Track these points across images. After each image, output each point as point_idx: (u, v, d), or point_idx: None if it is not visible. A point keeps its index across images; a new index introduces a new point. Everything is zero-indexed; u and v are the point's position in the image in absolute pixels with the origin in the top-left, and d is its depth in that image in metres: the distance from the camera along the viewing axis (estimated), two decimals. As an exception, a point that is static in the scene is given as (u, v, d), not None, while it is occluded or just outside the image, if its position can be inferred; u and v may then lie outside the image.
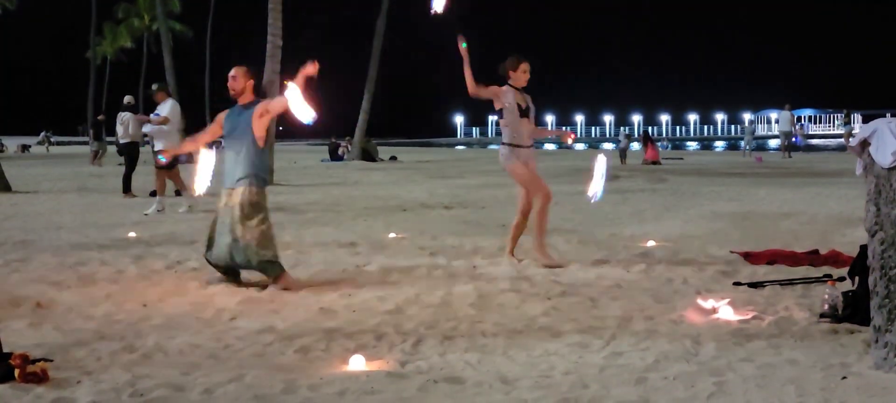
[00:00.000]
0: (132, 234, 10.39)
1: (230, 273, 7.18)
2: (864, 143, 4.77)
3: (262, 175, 7.21)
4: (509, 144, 8.16)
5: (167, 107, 13.74)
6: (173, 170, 13.51)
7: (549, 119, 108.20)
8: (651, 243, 9.40)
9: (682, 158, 35.61)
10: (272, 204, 14.82)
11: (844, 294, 5.71)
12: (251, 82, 7.30)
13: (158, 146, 13.49)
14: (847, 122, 38.94)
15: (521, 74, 8.16)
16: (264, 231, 7.05)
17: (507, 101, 8.10)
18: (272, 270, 7.03)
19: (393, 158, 34.91)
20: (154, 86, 14.35)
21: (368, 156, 33.79)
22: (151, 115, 13.92)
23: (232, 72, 7.28)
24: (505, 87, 8.14)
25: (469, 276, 7.51)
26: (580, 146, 48.64)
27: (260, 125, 7.11)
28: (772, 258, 8.19)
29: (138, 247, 9.27)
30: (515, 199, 8.63)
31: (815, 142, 68.73)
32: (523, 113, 8.13)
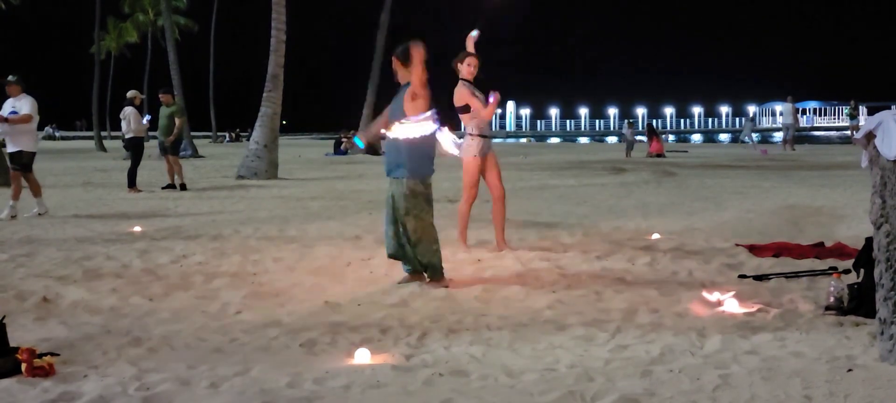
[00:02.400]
0: (137, 228, 10.41)
1: (408, 260, 6.90)
2: (870, 136, 4.76)
3: (415, 165, 6.76)
4: (477, 135, 8.42)
5: (27, 104, 11.99)
6: (30, 172, 12.10)
7: (554, 112, 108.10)
8: (656, 236, 9.40)
9: (686, 151, 35.57)
10: (276, 198, 14.89)
11: (850, 286, 5.70)
12: (403, 63, 6.82)
13: (12, 147, 12.13)
14: (854, 115, 38.83)
15: (466, 68, 8.33)
16: (419, 227, 6.76)
17: (479, 96, 8.34)
18: (431, 273, 6.86)
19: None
20: (10, 78, 12.13)
21: (372, 150, 33.78)
22: (7, 113, 12.02)
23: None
24: (468, 85, 8.32)
25: (474, 269, 7.51)
26: (584, 139, 48.55)
27: (412, 108, 6.77)
28: (777, 250, 8.18)
29: (143, 242, 9.29)
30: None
31: (816, 133, 68.58)
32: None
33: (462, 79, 8.33)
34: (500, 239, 8.56)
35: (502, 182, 8.59)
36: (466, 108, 8.32)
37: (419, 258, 6.84)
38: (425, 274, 6.90)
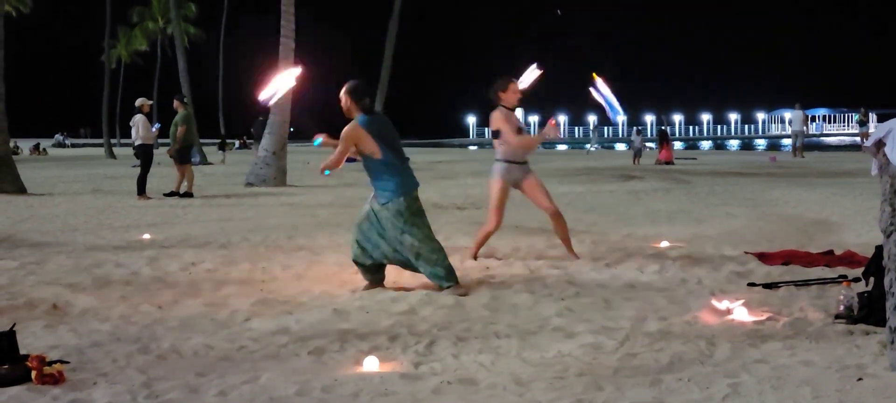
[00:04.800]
0: (147, 236, 10.43)
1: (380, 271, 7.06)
2: (880, 144, 4.75)
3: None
4: (503, 160, 8.32)
5: None
6: None
7: (563, 119, 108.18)
8: (665, 243, 9.38)
9: (695, 158, 35.50)
10: (285, 205, 14.91)
11: (860, 294, 5.68)
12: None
13: None
14: (864, 122, 38.69)
15: (511, 96, 8.26)
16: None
17: (513, 123, 8.28)
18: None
19: (405, 159, 34.92)
20: None
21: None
22: None
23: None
24: (506, 111, 8.24)
25: (482, 277, 7.51)
26: (592, 147, 48.53)
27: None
28: (786, 258, 8.16)
29: (153, 249, 9.31)
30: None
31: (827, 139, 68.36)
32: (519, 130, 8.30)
33: (502, 105, 8.23)
34: (570, 251, 8.43)
35: (552, 201, 8.40)
36: (498, 134, 8.27)
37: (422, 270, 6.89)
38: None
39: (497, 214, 8.36)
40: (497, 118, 8.22)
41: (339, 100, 6.97)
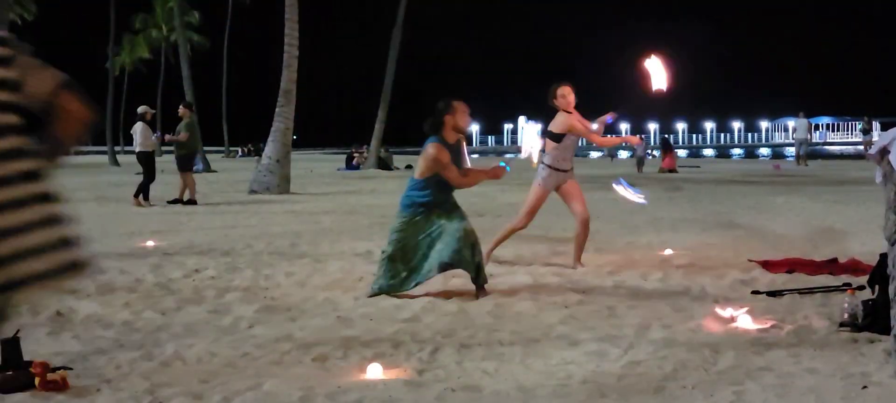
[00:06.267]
0: (150, 243, 10.44)
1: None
2: (883, 151, 4.75)
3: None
4: (552, 167, 8.36)
5: None
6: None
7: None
8: (668, 251, 9.37)
9: (698, 166, 35.49)
10: (288, 212, 14.93)
11: (864, 302, 5.67)
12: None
13: None
14: (867, 130, 38.68)
15: (561, 99, 8.31)
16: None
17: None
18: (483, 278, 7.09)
19: (408, 167, 34.90)
20: None
21: (384, 165, 33.87)
22: None
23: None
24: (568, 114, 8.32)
25: (486, 284, 7.50)
26: (596, 154, 48.60)
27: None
28: (790, 266, 8.15)
29: (156, 256, 9.31)
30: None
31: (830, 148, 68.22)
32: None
33: (563, 110, 8.29)
34: (577, 258, 8.43)
35: (586, 207, 8.41)
36: (557, 137, 8.30)
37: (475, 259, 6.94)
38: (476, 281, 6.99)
39: (528, 216, 8.48)
40: (565, 120, 8.26)
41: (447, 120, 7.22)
